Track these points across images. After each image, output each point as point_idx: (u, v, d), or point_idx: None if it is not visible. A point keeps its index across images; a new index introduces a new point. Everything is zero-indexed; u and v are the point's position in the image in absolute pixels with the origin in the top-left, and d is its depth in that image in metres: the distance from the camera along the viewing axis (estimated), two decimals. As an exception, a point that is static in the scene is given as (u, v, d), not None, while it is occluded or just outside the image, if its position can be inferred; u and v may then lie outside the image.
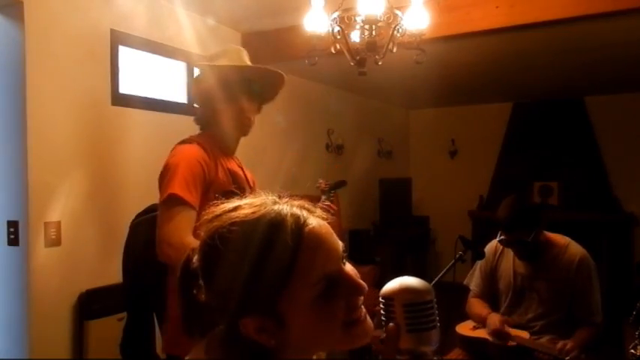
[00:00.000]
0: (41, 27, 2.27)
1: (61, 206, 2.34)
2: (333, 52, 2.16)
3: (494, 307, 2.38)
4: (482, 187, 6.05)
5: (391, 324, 0.79)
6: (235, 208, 0.73)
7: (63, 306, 2.38)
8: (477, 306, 2.40)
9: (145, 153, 2.67)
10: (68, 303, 2.39)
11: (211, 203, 0.76)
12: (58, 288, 2.34)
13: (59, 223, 2.33)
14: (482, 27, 2.76)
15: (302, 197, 0.77)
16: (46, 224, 2.28)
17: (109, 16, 2.58)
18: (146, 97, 2.84)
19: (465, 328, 2.37)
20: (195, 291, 0.74)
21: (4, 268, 2.28)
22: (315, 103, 4.79)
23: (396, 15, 2.04)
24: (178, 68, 3.09)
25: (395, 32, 2.07)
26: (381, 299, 0.81)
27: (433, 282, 1.63)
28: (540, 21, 2.64)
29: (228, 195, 0.86)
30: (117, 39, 2.62)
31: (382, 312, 0.81)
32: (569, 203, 5.53)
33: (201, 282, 0.73)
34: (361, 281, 0.73)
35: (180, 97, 3.09)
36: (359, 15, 2.02)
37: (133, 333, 1.93)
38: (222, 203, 0.75)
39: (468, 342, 2.32)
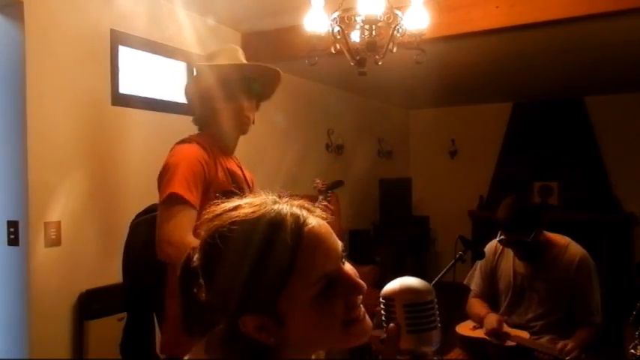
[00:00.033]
0: (41, 27, 2.27)
1: (61, 206, 2.34)
2: (333, 52, 2.16)
3: (494, 307, 2.38)
4: (482, 187, 6.05)
5: (392, 324, 0.79)
6: (236, 208, 0.73)
7: (63, 306, 2.38)
8: (476, 306, 2.40)
9: (145, 153, 2.67)
10: (68, 303, 2.39)
11: (212, 202, 0.77)
12: (58, 288, 2.34)
13: (59, 223, 2.33)
14: (482, 27, 2.76)
15: (302, 197, 0.78)
16: (46, 224, 2.28)
17: (109, 16, 2.58)
18: (146, 97, 2.84)
19: (464, 328, 2.37)
20: (195, 290, 0.75)
21: (4, 268, 2.28)
22: (315, 103, 4.79)
23: (396, 15, 2.04)
24: (178, 68, 3.09)
25: (395, 32, 2.07)
26: (381, 299, 0.81)
27: (433, 282, 1.63)
28: (540, 21, 2.64)
29: (228, 195, 0.86)
30: (117, 39, 2.62)
31: (383, 312, 0.81)
32: (569, 203, 5.53)
33: (201, 281, 0.74)
34: (360, 280, 0.73)
35: (180, 97, 3.07)
36: (359, 15, 2.02)
37: (133, 333, 1.93)
38: (223, 202, 0.76)
39: (468, 342, 2.32)
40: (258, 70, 1.76)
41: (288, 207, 0.72)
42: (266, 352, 0.71)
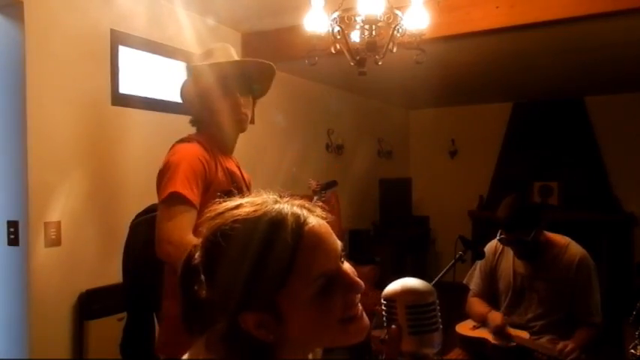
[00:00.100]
0: (41, 27, 2.27)
1: (61, 206, 2.34)
2: (333, 52, 2.16)
3: (494, 307, 2.38)
4: (482, 187, 6.05)
5: (393, 326, 0.79)
6: (237, 207, 0.74)
7: (63, 306, 2.38)
8: (476, 305, 2.40)
9: (145, 153, 2.66)
10: (68, 303, 2.39)
11: (213, 201, 0.77)
12: (58, 288, 2.34)
13: (59, 223, 2.33)
14: (482, 27, 2.76)
15: (302, 197, 0.78)
16: (46, 224, 2.28)
17: (109, 16, 2.58)
18: (146, 97, 2.84)
19: (464, 328, 2.37)
20: (196, 287, 0.76)
21: (4, 268, 2.28)
22: (315, 103, 4.79)
23: (396, 15, 2.04)
24: (178, 68, 3.08)
25: (395, 32, 2.07)
26: (382, 300, 0.81)
27: (433, 282, 1.63)
28: (540, 21, 2.64)
29: (229, 194, 0.86)
30: (117, 39, 2.62)
31: (384, 313, 0.80)
32: (569, 203, 5.53)
33: (202, 278, 0.74)
34: (358, 279, 0.74)
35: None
36: (359, 15, 2.02)
37: (133, 333, 1.93)
38: (224, 201, 0.77)
39: (468, 342, 2.32)
40: (255, 66, 1.76)
41: (289, 206, 0.73)
42: (265, 350, 0.72)
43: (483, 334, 2.27)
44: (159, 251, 1.48)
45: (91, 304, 2.41)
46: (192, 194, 1.50)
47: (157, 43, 2.86)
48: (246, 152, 1.93)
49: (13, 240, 2.25)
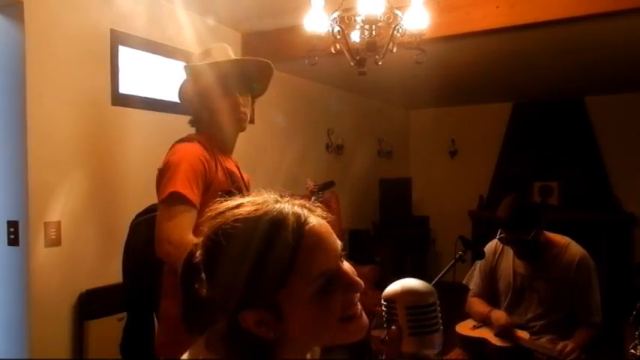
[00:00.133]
0: (41, 27, 2.27)
1: (61, 206, 2.34)
2: (333, 52, 2.16)
3: (494, 306, 2.37)
4: (482, 187, 6.05)
5: (393, 327, 0.79)
6: (238, 206, 0.75)
7: (63, 306, 2.38)
8: (477, 304, 2.40)
9: (145, 153, 2.66)
10: (68, 303, 2.39)
11: (214, 201, 0.78)
12: (58, 288, 2.34)
13: (59, 223, 2.33)
14: (482, 27, 2.76)
15: (302, 197, 0.79)
16: (46, 224, 2.28)
17: (109, 16, 2.58)
18: (146, 97, 2.84)
19: (464, 328, 2.37)
20: (196, 286, 0.76)
21: (4, 268, 2.28)
22: (315, 103, 4.79)
23: (396, 15, 2.04)
24: (178, 68, 3.08)
25: (395, 32, 2.07)
26: (382, 301, 0.81)
27: (433, 282, 1.63)
28: (540, 21, 2.64)
29: (229, 195, 0.87)
30: (117, 39, 2.62)
31: (384, 314, 0.80)
32: (569, 203, 5.53)
33: (203, 276, 0.75)
34: (358, 278, 0.75)
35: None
36: (359, 15, 2.02)
37: (133, 333, 1.93)
38: (225, 201, 0.77)
39: (468, 342, 2.32)
40: (254, 65, 1.76)
41: (289, 206, 0.74)
42: (265, 348, 0.72)
43: (483, 334, 2.26)
44: (159, 251, 1.48)
45: (91, 304, 2.41)
46: (193, 194, 1.49)
47: (157, 43, 2.86)
48: (246, 152, 1.93)
49: (13, 240, 2.25)
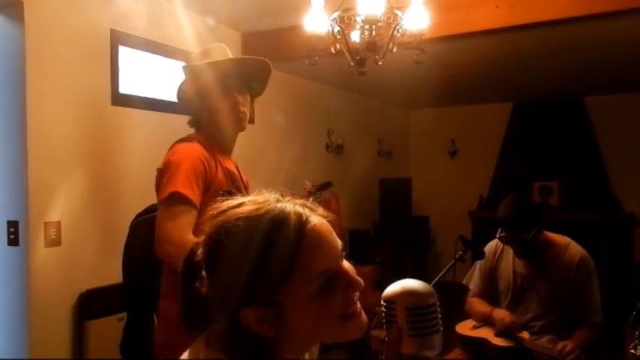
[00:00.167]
0: (41, 27, 2.27)
1: (61, 206, 2.34)
2: (333, 52, 2.16)
3: (494, 306, 2.37)
4: (482, 187, 6.05)
5: (393, 328, 0.78)
6: (240, 205, 0.76)
7: (63, 306, 2.38)
8: (477, 304, 2.40)
9: (145, 153, 2.66)
10: (68, 303, 2.39)
11: (215, 200, 0.79)
12: (58, 288, 2.34)
13: (59, 223, 2.33)
14: (482, 27, 2.76)
15: (301, 197, 0.79)
16: (46, 224, 2.28)
17: (109, 16, 2.58)
18: (146, 97, 2.84)
19: (464, 328, 2.37)
20: (197, 284, 0.76)
21: (4, 268, 2.28)
22: (315, 103, 4.79)
23: (396, 15, 2.04)
24: (178, 68, 3.08)
25: (395, 32, 2.07)
26: (382, 302, 0.81)
27: (433, 282, 1.63)
28: (540, 21, 2.64)
29: (230, 195, 0.87)
30: (117, 39, 2.62)
31: (384, 315, 0.80)
32: (569, 203, 5.53)
33: (203, 274, 0.75)
34: (358, 277, 0.75)
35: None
36: (359, 15, 2.02)
37: (133, 333, 1.93)
38: (227, 200, 0.78)
39: (468, 342, 2.32)
40: (254, 64, 1.76)
41: (291, 205, 0.75)
42: (265, 346, 0.73)
43: (483, 334, 2.26)
44: (159, 251, 1.48)
45: (91, 304, 2.41)
46: (193, 194, 1.49)
47: (157, 43, 2.86)
48: (246, 152, 1.93)
49: (13, 240, 2.25)
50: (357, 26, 2.08)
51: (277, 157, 3.99)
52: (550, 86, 5.14)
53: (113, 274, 2.27)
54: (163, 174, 1.54)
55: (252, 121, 1.76)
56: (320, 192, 1.93)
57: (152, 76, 2.92)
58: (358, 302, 0.76)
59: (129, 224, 1.96)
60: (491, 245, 2.40)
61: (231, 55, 1.76)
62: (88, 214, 2.47)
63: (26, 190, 2.21)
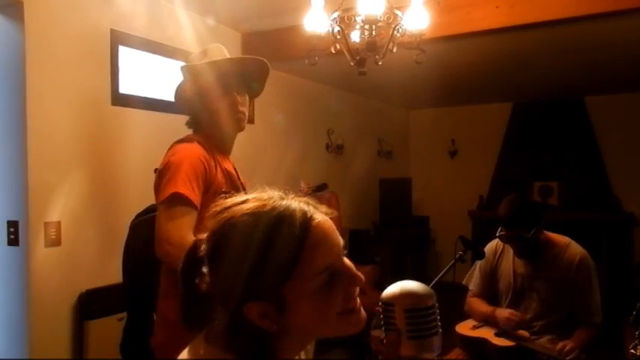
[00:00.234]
0: (41, 27, 2.27)
1: (61, 206, 2.34)
2: (333, 52, 2.16)
3: (494, 306, 2.37)
4: (482, 187, 6.05)
5: (392, 331, 0.78)
6: (244, 202, 0.77)
7: (63, 306, 2.38)
8: (478, 304, 2.40)
9: (145, 153, 2.66)
10: (68, 303, 2.39)
11: (219, 197, 0.80)
12: (58, 288, 2.34)
13: (59, 223, 2.33)
14: (482, 27, 2.76)
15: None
16: (46, 224, 2.28)
17: (109, 16, 2.58)
18: (146, 97, 2.84)
19: (464, 328, 2.37)
20: (197, 280, 0.77)
21: (4, 268, 2.28)
22: (315, 103, 4.79)
23: (396, 15, 2.04)
24: (178, 68, 3.08)
25: (395, 32, 2.07)
26: (381, 304, 0.80)
27: (433, 282, 1.63)
28: (540, 21, 2.64)
29: (231, 195, 0.87)
30: (117, 39, 2.62)
31: (382, 317, 0.80)
32: (569, 203, 5.53)
33: (204, 270, 0.76)
34: (358, 272, 0.77)
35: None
36: (359, 15, 2.02)
37: (133, 333, 1.93)
38: (230, 197, 0.79)
39: (468, 342, 2.32)
40: (253, 64, 1.76)
41: (296, 202, 0.76)
42: (266, 340, 0.74)
43: (483, 334, 2.26)
44: (158, 251, 1.47)
45: (91, 304, 2.41)
46: (194, 195, 1.49)
47: (157, 43, 2.86)
48: (245, 152, 1.93)
49: (13, 240, 2.24)
50: (357, 26, 2.08)
51: (277, 157, 3.99)
52: (550, 86, 5.14)
53: (113, 274, 2.27)
54: (163, 174, 1.54)
55: (251, 121, 1.76)
56: (316, 193, 1.93)
57: (152, 76, 2.91)
58: (358, 298, 0.77)
59: (129, 224, 1.96)
60: (492, 245, 2.40)
61: (228, 56, 1.75)
62: (88, 214, 2.47)
63: (26, 190, 2.21)
